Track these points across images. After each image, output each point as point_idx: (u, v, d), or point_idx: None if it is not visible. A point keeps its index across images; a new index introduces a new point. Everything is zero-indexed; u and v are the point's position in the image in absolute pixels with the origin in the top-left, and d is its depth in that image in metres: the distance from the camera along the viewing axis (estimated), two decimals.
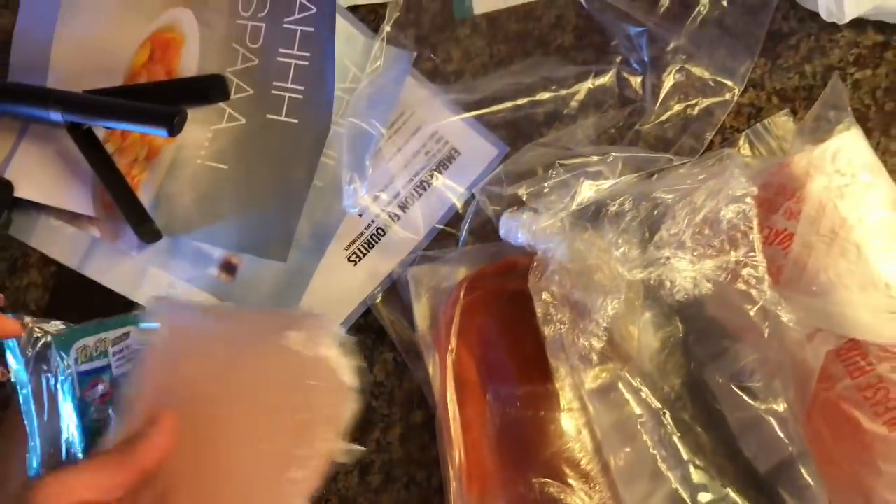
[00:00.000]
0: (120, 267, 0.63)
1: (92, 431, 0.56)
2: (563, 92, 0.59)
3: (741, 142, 0.55)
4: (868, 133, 0.53)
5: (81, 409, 0.56)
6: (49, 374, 0.58)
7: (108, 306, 0.60)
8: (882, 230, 0.47)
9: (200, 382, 0.48)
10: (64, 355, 0.57)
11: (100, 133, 0.63)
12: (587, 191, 0.51)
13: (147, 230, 0.62)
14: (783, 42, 0.57)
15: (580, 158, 0.52)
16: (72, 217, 0.64)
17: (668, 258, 0.47)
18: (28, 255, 0.65)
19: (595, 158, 0.52)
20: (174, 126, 0.57)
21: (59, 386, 0.58)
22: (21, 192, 0.64)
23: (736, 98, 0.56)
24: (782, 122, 0.55)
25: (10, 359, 0.59)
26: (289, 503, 0.45)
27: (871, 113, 0.55)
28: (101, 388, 0.56)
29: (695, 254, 0.47)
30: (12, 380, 0.59)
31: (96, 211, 0.64)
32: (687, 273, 0.47)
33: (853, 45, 0.56)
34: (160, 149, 0.64)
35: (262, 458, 0.46)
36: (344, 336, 0.50)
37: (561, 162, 0.52)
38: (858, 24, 0.55)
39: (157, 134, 0.59)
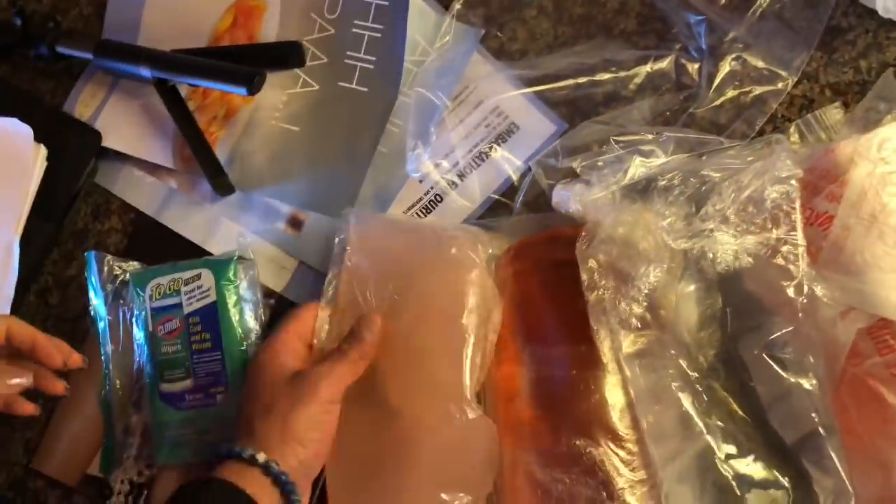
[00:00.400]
0: (194, 217, 0.68)
1: (160, 364, 0.60)
2: (623, 74, 0.61)
3: (791, 130, 0.57)
4: None
5: (152, 343, 0.61)
6: (125, 308, 0.63)
7: (180, 253, 0.65)
8: None
9: (394, 282, 0.57)
10: (140, 292, 0.62)
11: (183, 91, 0.68)
12: (639, 167, 0.53)
13: (221, 183, 0.66)
14: (840, 37, 0.59)
15: (634, 136, 0.55)
16: (152, 168, 0.69)
17: (712, 231, 0.50)
18: (110, 201, 0.70)
19: (649, 137, 0.54)
20: (254, 85, 0.61)
21: (133, 320, 0.62)
22: (108, 142, 0.69)
23: (789, 88, 0.58)
24: (833, 114, 0.57)
25: (91, 294, 0.64)
26: (470, 383, 0.54)
27: None
28: (170, 324, 0.61)
29: (738, 229, 0.50)
30: (92, 313, 0.64)
31: (175, 164, 0.68)
32: (729, 246, 0.50)
33: None
34: (238, 109, 0.68)
35: (447, 346, 0.55)
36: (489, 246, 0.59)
37: (615, 138, 0.55)
38: None
39: (237, 92, 0.64)
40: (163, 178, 0.69)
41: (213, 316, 0.60)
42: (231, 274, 0.61)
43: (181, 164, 0.68)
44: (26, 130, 0.67)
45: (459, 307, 0.55)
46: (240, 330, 0.60)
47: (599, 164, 0.54)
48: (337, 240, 0.60)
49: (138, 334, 0.62)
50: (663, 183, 0.52)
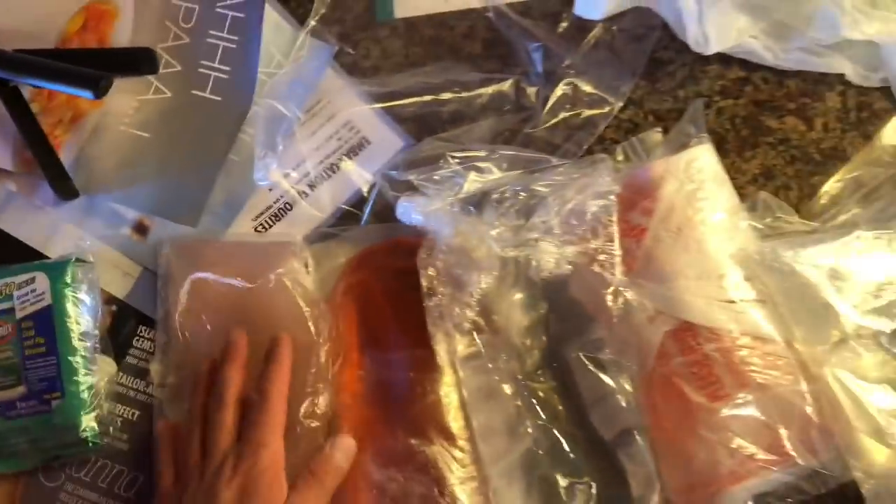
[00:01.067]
0: (34, 221, 0.65)
1: None
2: (467, 94, 0.65)
3: (618, 151, 0.61)
4: (725, 154, 0.61)
5: None
6: None
7: (17, 258, 0.63)
8: (720, 230, 0.54)
9: (226, 312, 0.59)
10: None
11: (26, 93, 0.66)
12: (474, 181, 0.56)
13: (65, 187, 0.64)
14: (662, 68, 0.64)
15: (471, 153, 0.58)
16: None
17: (537, 240, 0.53)
18: None
19: (482, 154, 0.58)
20: (100, 89, 0.60)
21: None
22: None
23: (615, 112, 0.63)
24: (654, 137, 0.61)
25: None
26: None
27: (729, 137, 0.62)
28: (1, 329, 0.58)
29: (561, 239, 0.54)
30: None
31: (14, 166, 0.66)
32: (551, 255, 0.53)
33: (720, 77, 0.64)
34: (85, 113, 0.67)
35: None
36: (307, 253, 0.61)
37: (451, 154, 0.57)
38: (726, 59, 0.63)
39: (83, 95, 0.62)
40: (0, 181, 0.67)
41: (48, 320, 0.58)
42: (68, 277, 0.60)
43: (22, 167, 0.66)
44: None
45: (296, 328, 0.57)
46: (77, 334, 0.59)
47: (435, 178, 0.57)
48: (160, 272, 0.61)
49: None
50: (496, 196, 0.55)
